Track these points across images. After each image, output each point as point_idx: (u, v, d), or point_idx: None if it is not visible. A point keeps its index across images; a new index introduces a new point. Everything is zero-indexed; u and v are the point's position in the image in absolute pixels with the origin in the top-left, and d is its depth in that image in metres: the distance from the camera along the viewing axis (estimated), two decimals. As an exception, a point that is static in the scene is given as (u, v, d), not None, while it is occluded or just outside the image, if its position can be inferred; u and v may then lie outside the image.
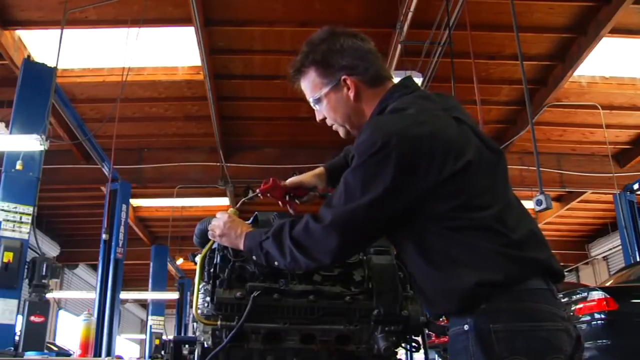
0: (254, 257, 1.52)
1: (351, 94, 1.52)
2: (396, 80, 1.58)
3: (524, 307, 1.26)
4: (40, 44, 6.75)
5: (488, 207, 1.34)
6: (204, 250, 1.63)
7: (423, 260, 1.35)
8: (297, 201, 1.74)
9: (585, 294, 4.84)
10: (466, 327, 1.26)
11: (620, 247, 9.63)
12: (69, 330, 13.66)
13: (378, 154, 1.30)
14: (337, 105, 1.55)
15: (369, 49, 1.57)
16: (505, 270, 1.27)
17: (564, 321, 1.28)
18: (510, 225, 1.33)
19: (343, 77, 1.52)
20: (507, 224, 1.33)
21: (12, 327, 4.79)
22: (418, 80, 5.84)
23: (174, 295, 13.48)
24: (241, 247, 1.54)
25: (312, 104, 1.62)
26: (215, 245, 1.64)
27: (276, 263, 1.46)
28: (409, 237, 1.38)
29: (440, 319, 1.47)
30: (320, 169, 1.82)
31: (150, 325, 12.92)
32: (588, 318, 4.66)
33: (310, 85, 1.58)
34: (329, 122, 1.61)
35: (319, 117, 1.63)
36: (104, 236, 7.81)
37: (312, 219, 1.39)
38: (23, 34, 6.65)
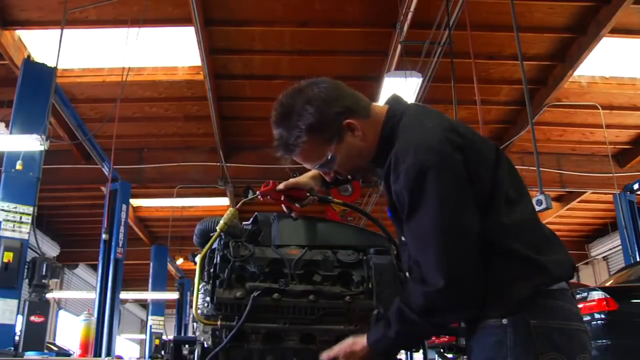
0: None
1: (358, 134, 1.44)
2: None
3: (557, 306, 1.28)
4: (40, 44, 6.74)
5: (517, 202, 1.35)
6: (204, 250, 1.63)
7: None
8: (297, 204, 1.74)
9: (585, 294, 4.83)
10: (505, 320, 1.25)
11: (620, 247, 9.63)
12: (69, 330, 13.64)
13: (430, 176, 1.25)
14: (349, 154, 1.46)
15: (339, 83, 1.49)
16: (547, 268, 1.28)
17: (583, 323, 1.31)
18: (537, 220, 1.37)
19: (346, 122, 1.43)
20: (534, 218, 1.36)
21: (12, 327, 4.79)
22: (418, 80, 5.84)
23: (174, 295, 13.48)
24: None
25: (319, 170, 1.55)
26: (215, 245, 1.64)
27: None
28: None
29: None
30: (315, 171, 1.77)
31: (150, 325, 12.92)
32: (588, 318, 4.65)
33: (313, 154, 1.48)
34: (344, 174, 1.53)
35: (329, 178, 1.56)
36: (104, 236, 7.81)
37: (420, 287, 1.29)
38: (23, 34, 6.64)
